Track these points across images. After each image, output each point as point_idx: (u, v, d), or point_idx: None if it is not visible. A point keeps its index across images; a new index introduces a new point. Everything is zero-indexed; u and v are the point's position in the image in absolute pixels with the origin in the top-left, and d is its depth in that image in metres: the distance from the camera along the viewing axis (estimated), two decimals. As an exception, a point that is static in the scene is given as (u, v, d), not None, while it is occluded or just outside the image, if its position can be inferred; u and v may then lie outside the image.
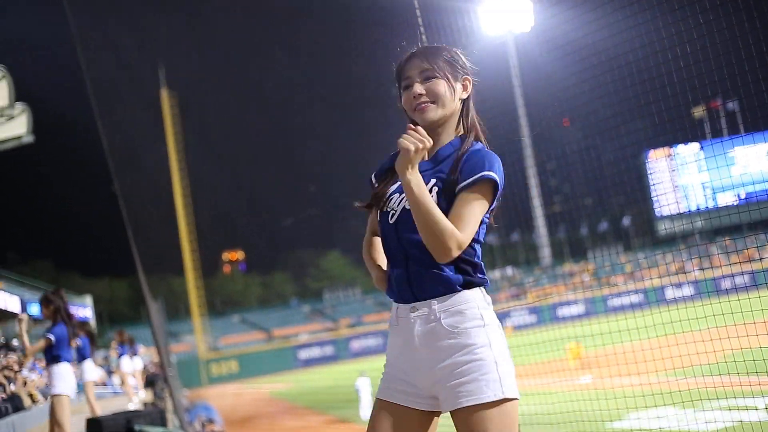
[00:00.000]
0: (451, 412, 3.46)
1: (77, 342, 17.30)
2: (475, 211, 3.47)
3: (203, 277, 65.69)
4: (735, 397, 11.62)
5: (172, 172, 63.18)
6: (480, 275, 3.59)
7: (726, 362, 11.21)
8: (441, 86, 3.64)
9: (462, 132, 3.74)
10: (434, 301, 3.50)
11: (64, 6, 20.52)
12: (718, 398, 11.92)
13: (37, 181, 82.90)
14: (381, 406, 3.68)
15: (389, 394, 3.66)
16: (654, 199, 58.61)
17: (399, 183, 3.64)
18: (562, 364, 18.09)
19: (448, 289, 3.50)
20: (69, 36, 20.99)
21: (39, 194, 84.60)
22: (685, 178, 58.58)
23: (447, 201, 3.50)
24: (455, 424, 3.46)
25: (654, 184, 57.60)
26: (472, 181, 3.48)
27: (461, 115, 3.75)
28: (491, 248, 67.70)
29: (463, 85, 3.73)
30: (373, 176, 3.92)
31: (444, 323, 3.47)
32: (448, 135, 3.73)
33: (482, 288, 3.59)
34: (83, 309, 34.45)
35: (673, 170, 58.71)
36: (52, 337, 11.72)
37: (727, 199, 52.40)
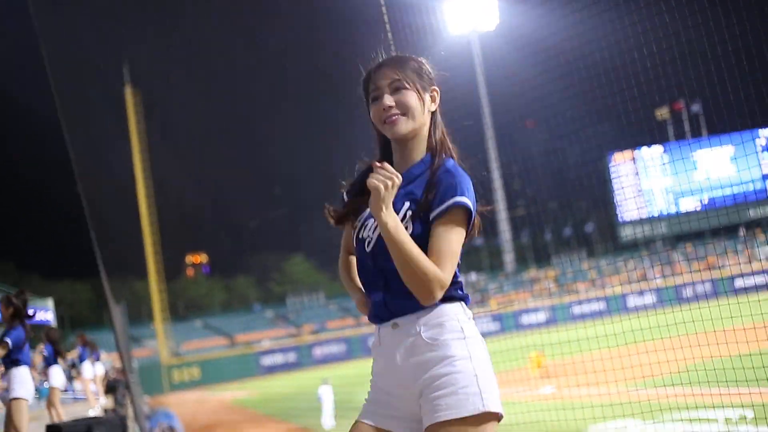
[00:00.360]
0: (428, 427, 3.30)
1: (42, 349, 17.03)
2: (453, 245, 3.34)
3: (166, 281, 65.34)
4: (697, 408, 11.54)
5: (136, 172, 62.86)
6: (460, 291, 3.46)
7: (688, 372, 11.13)
8: (411, 97, 3.47)
9: (432, 145, 3.57)
10: (414, 316, 3.38)
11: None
12: (679, 409, 11.84)
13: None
14: (360, 429, 3.52)
15: (373, 418, 3.52)
16: (617, 203, 58.94)
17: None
18: (525, 374, 17.97)
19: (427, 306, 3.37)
20: (32, 30, 20.70)
21: (0, 195, 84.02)
22: (648, 182, 58.90)
23: (421, 223, 3.38)
24: None
25: (617, 189, 57.93)
26: (444, 209, 3.35)
27: (430, 130, 3.58)
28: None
29: (431, 96, 3.57)
30: (345, 193, 3.76)
31: (424, 336, 3.35)
32: (419, 151, 3.57)
33: (463, 302, 3.47)
34: (45, 312, 33.99)
35: (637, 173, 58.98)
36: (9, 341, 11.46)
37: (689, 204, 52.72)
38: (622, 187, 58.74)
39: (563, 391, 16.67)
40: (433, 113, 3.58)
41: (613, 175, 57.77)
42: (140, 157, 63.59)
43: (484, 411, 3.22)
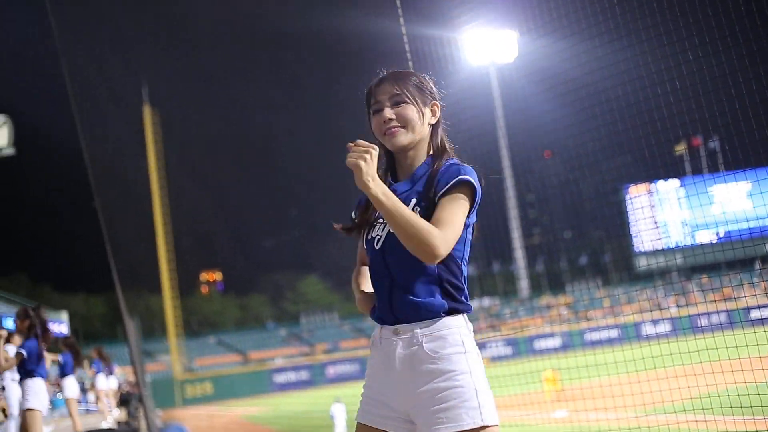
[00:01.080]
0: None
1: (58, 359, 17.17)
2: (455, 211, 3.45)
3: (180, 297, 65.35)
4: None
5: (153, 189, 62.96)
6: (464, 300, 3.58)
7: (701, 399, 11.22)
8: (411, 111, 3.63)
9: (433, 152, 3.72)
10: (417, 326, 3.49)
11: (49, 20, 20.50)
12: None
13: (16, 193, 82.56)
14: (360, 430, 3.67)
15: (368, 418, 3.65)
16: (633, 234, 58.90)
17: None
18: (538, 397, 18.08)
19: (431, 314, 3.48)
20: (54, 49, 20.97)
21: (18, 207, 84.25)
22: (664, 214, 58.86)
23: (429, 217, 3.46)
24: None
25: (633, 220, 57.87)
26: (449, 186, 3.47)
27: (431, 140, 3.74)
28: (469, 278, 67.69)
29: (431, 110, 3.72)
30: (353, 213, 3.89)
31: (426, 348, 3.46)
32: (421, 160, 3.71)
33: (465, 315, 3.58)
34: (59, 325, 34.22)
35: (653, 206, 58.92)
36: (23, 352, 11.63)
37: (705, 237, 52.63)
38: (638, 219, 58.64)
39: (576, 416, 16.76)
40: (434, 125, 3.72)
41: (629, 207, 57.75)
42: (157, 175, 63.73)
43: (483, 425, 3.36)
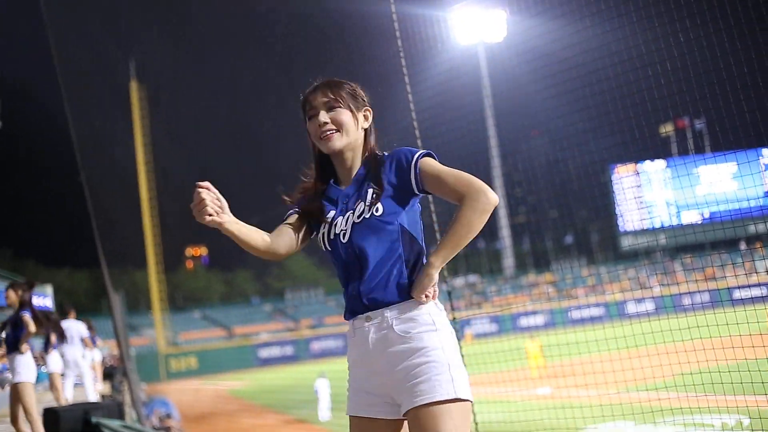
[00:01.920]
0: (407, 412, 3.53)
1: (46, 332, 17.20)
2: (444, 168, 3.66)
3: (165, 272, 65.34)
4: (692, 413, 11.76)
5: (139, 164, 62.87)
6: None
7: (684, 376, 11.33)
8: (345, 115, 3.78)
9: (366, 155, 3.88)
10: (386, 310, 3.62)
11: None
12: (673, 414, 12.02)
13: (2, 167, 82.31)
14: (352, 423, 3.78)
15: (356, 408, 3.76)
16: (618, 214, 59.09)
17: (336, 211, 3.81)
18: (523, 374, 18.20)
19: (399, 297, 3.62)
20: (41, 22, 20.90)
21: (3, 181, 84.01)
22: (650, 194, 59.04)
23: (395, 199, 3.69)
24: (409, 425, 3.54)
25: (619, 200, 58.07)
26: (417, 169, 3.67)
27: (365, 145, 3.89)
28: (456, 256, 67.70)
29: (364, 115, 3.88)
30: (295, 202, 4.05)
31: (396, 329, 3.58)
32: (357, 162, 3.88)
33: None
34: (43, 298, 34.23)
35: (639, 186, 59.10)
36: (29, 315, 11.65)
37: (691, 217, 52.86)
38: (624, 199, 58.86)
39: (560, 392, 16.89)
40: (366, 129, 3.88)
41: (615, 187, 57.93)
42: (143, 150, 63.67)
43: (456, 397, 3.45)
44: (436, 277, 3.59)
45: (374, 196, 3.68)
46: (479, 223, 3.54)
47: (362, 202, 3.69)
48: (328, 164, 3.96)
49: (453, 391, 3.46)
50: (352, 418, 3.79)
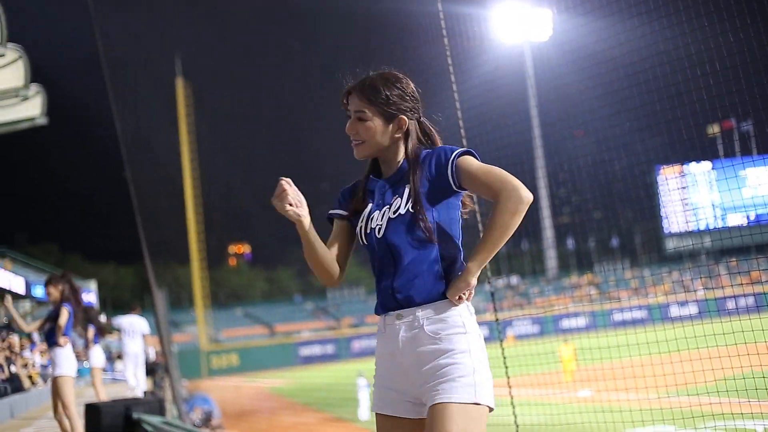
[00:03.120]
0: (429, 410, 3.50)
1: (90, 329, 17.35)
2: (480, 166, 3.63)
3: (208, 269, 65.70)
4: (734, 418, 11.63)
5: (183, 161, 63.27)
6: None
7: (726, 381, 11.21)
8: (370, 129, 3.78)
9: (407, 155, 3.84)
10: (418, 309, 3.61)
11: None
12: (715, 419, 11.90)
13: (48, 163, 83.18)
14: (379, 421, 3.77)
15: (381, 406, 3.75)
16: (663, 215, 58.60)
17: (373, 204, 3.80)
18: (563, 376, 18.11)
19: (432, 297, 3.61)
20: (88, 19, 21.06)
21: (49, 177, 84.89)
22: (695, 196, 58.53)
23: (432, 196, 3.68)
24: (426, 422, 3.51)
25: (664, 201, 57.61)
26: (455, 166, 3.64)
27: (405, 145, 3.84)
28: (497, 256, 67.58)
29: (397, 125, 3.81)
30: (338, 204, 4.02)
31: (426, 330, 3.57)
32: (396, 161, 3.87)
33: None
34: (87, 294, 34.57)
35: (684, 188, 58.60)
36: (68, 308, 11.71)
37: (736, 219, 52.35)
38: (670, 200, 58.40)
39: (600, 395, 16.80)
40: (406, 134, 3.81)
41: (660, 188, 57.51)
42: (188, 147, 64.04)
43: (475, 401, 3.43)
44: (473, 282, 3.57)
45: (411, 192, 3.66)
46: (514, 223, 3.50)
47: (399, 198, 3.68)
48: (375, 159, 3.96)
49: (473, 395, 3.45)
50: (378, 415, 3.78)
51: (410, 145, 3.82)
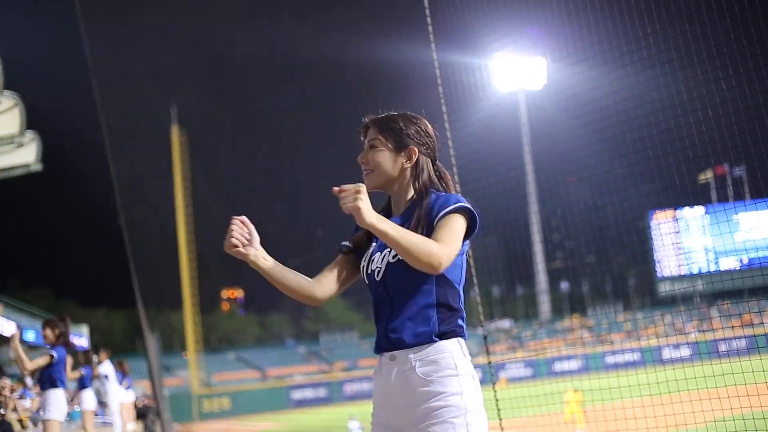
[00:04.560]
0: None
1: (81, 371, 17.39)
2: (454, 229, 3.64)
3: (201, 313, 65.50)
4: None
5: (178, 207, 63.20)
6: (459, 324, 3.74)
7: (718, 422, 11.28)
8: (380, 158, 3.87)
9: (417, 190, 3.90)
10: (411, 351, 3.65)
11: (82, 38, 20.75)
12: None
13: (43, 209, 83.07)
14: None
15: None
16: (656, 260, 58.66)
17: (376, 245, 3.86)
18: (557, 418, 18.09)
19: (424, 339, 3.65)
20: (85, 67, 21.24)
21: (43, 222, 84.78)
22: (688, 240, 58.67)
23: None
24: None
25: (657, 246, 57.67)
26: (447, 211, 3.66)
27: (415, 178, 3.91)
28: (490, 300, 67.59)
29: (408, 155, 3.89)
30: (348, 243, 4.07)
31: (418, 372, 3.62)
32: (407, 196, 3.93)
33: (460, 339, 3.73)
34: (79, 338, 34.47)
35: (677, 232, 58.71)
36: (54, 354, 11.78)
37: (729, 263, 52.45)
38: (662, 244, 58.52)
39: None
40: (414, 166, 3.88)
41: (653, 233, 57.61)
42: (182, 194, 64.04)
43: None
44: (364, 209, 3.46)
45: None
46: (414, 253, 3.46)
47: None
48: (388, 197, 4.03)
49: None
50: None
51: (420, 182, 3.88)
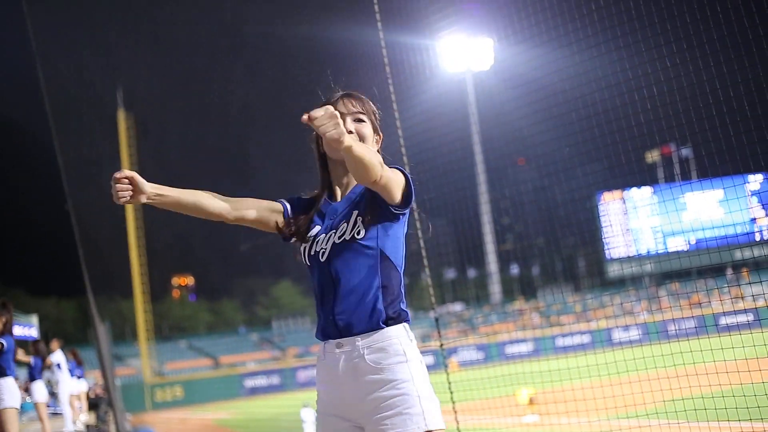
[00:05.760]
0: None
1: (29, 360, 17.18)
2: (392, 171, 3.57)
3: (152, 301, 65.14)
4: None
5: (125, 193, 62.76)
6: (403, 306, 3.72)
7: (666, 403, 11.34)
8: (368, 130, 3.84)
9: None
10: (358, 338, 3.61)
11: (26, 20, 20.44)
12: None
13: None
14: None
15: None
16: (605, 241, 59.09)
17: (321, 226, 3.80)
18: (509, 401, 18.18)
19: (372, 326, 3.61)
20: (30, 50, 20.91)
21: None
22: (636, 221, 59.14)
23: (379, 223, 3.67)
24: None
25: (605, 227, 58.11)
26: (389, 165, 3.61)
27: None
28: (442, 283, 67.76)
29: (378, 140, 3.93)
30: (292, 206, 4.02)
31: (367, 359, 3.59)
32: (354, 180, 3.87)
33: (406, 324, 3.71)
34: (29, 329, 34.13)
35: (625, 213, 59.18)
36: (4, 343, 11.61)
37: (677, 244, 52.94)
38: (611, 226, 58.95)
39: (548, 419, 16.85)
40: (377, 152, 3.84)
41: (601, 214, 58.00)
42: (131, 178, 63.59)
43: (427, 429, 3.48)
44: (339, 132, 3.25)
45: (359, 218, 3.67)
46: (367, 161, 3.33)
47: (346, 223, 3.68)
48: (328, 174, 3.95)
49: (424, 424, 3.48)
50: None
51: None
